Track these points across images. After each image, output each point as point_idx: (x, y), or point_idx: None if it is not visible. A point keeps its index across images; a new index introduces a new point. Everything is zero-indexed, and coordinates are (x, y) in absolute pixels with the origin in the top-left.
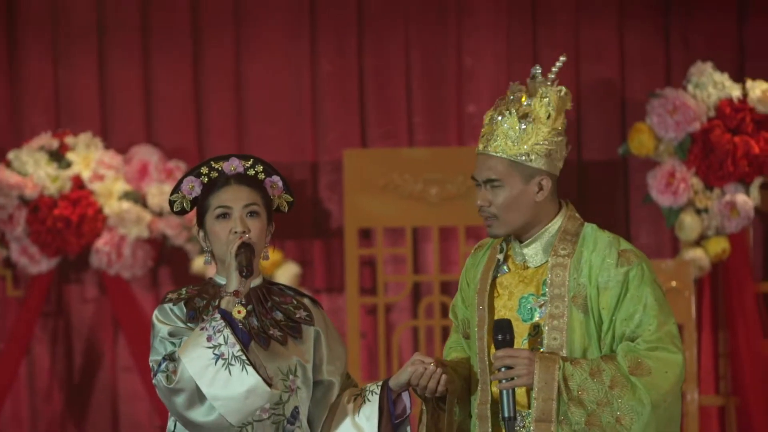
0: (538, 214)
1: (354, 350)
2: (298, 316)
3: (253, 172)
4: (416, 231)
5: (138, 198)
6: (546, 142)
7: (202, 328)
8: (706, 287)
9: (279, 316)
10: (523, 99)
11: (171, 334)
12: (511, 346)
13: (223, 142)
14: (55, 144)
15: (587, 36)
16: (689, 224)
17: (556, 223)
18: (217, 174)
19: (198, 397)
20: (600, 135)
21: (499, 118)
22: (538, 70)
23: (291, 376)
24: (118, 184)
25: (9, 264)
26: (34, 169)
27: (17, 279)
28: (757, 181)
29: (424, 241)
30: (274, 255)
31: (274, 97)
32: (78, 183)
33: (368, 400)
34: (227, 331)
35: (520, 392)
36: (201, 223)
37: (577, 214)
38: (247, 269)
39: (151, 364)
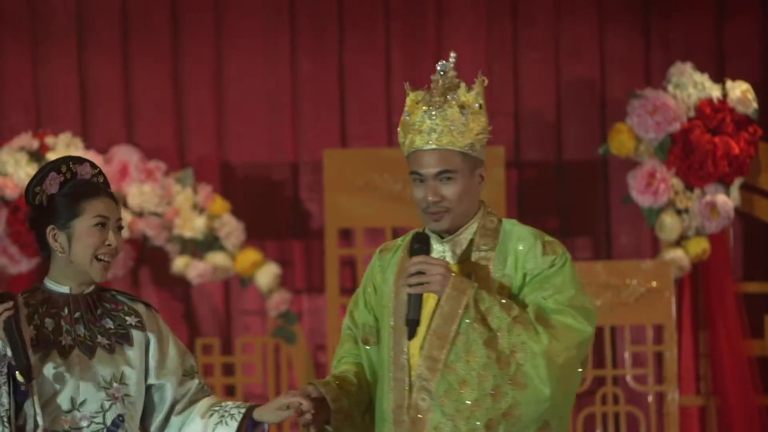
0: (473, 206)
1: (335, 350)
2: (128, 322)
3: (96, 180)
4: (396, 231)
5: (118, 198)
6: (483, 133)
7: None
8: (687, 287)
9: (109, 324)
10: (461, 92)
11: None
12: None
13: (203, 141)
14: (35, 144)
15: (567, 36)
16: (669, 224)
17: (476, 221)
18: (71, 175)
19: None
20: (580, 135)
21: (439, 111)
22: (444, 65)
23: (116, 384)
24: None
25: None
26: (15, 170)
27: None
28: (738, 182)
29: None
30: (254, 255)
31: (254, 96)
32: None
33: (226, 423)
34: (3, 389)
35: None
36: (62, 223)
37: (494, 212)
38: (23, 375)
39: None
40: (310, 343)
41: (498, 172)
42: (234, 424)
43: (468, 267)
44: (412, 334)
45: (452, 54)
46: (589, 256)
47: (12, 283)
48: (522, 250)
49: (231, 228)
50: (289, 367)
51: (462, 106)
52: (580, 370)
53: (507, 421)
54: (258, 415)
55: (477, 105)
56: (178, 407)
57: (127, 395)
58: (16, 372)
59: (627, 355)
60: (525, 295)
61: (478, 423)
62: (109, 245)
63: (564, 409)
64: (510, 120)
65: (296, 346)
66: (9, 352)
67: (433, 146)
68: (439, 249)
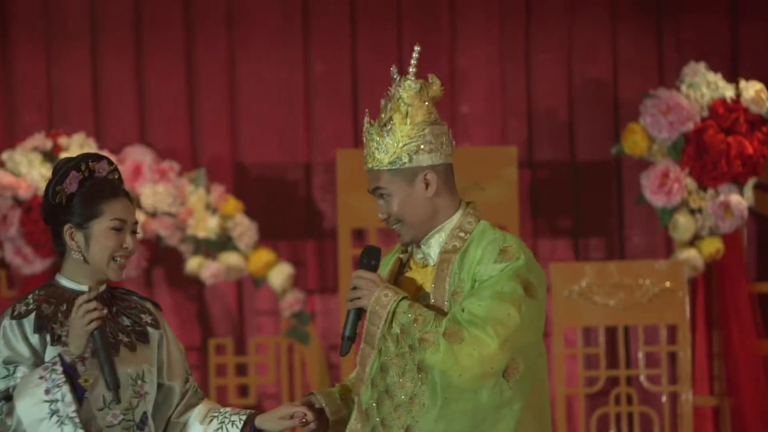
0: (436, 210)
1: None
2: (144, 320)
3: (112, 177)
4: None
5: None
6: (414, 139)
7: (41, 377)
8: (700, 287)
9: (125, 321)
10: (396, 103)
11: (6, 362)
12: (373, 271)
13: (216, 142)
14: (48, 144)
15: (580, 37)
16: (683, 224)
17: (452, 221)
18: (88, 173)
19: None
20: (593, 136)
21: (367, 134)
22: (394, 70)
23: (140, 381)
24: None
25: (3, 264)
26: (28, 170)
27: (11, 279)
28: (751, 182)
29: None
30: (267, 255)
31: (267, 96)
32: None
33: (226, 429)
34: (66, 388)
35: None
36: (80, 223)
37: (476, 214)
38: (113, 387)
39: None
40: (324, 344)
41: (511, 172)
42: (235, 431)
43: (429, 271)
44: (343, 350)
45: (416, 47)
46: (603, 256)
47: (26, 283)
48: (477, 256)
49: (244, 228)
50: (302, 368)
51: (385, 123)
52: (508, 383)
53: None
54: (260, 422)
55: (405, 112)
56: (178, 410)
57: (147, 393)
58: (81, 375)
59: (641, 355)
60: (463, 300)
61: (401, 431)
62: (126, 248)
63: (482, 425)
64: (523, 120)
65: (309, 346)
66: (101, 363)
67: (368, 167)
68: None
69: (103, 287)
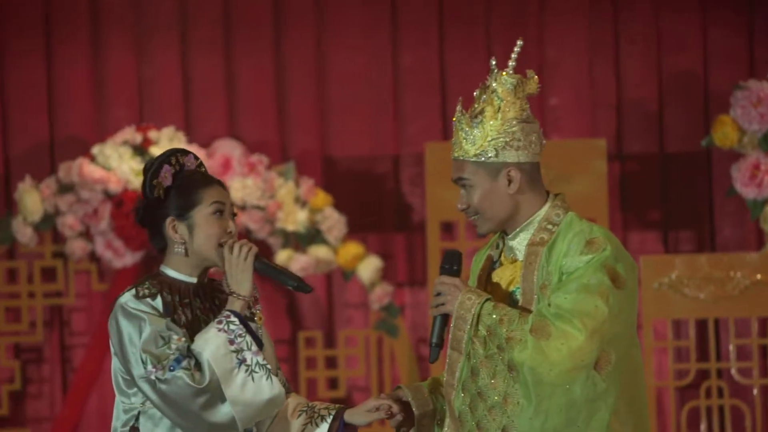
0: (518, 206)
1: None
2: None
3: (200, 170)
4: None
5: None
6: (502, 134)
7: (219, 330)
8: None
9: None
10: (490, 96)
11: (167, 328)
12: (456, 276)
13: (305, 135)
14: (138, 138)
15: (669, 28)
16: None
17: (540, 214)
18: (179, 167)
19: (219, 398)
20: (683, 127)
21: (457, 123)
22: (493, 61)
23: None
24: None
25: (94, 258)
26: (118, 164)
27: (102, 273)
28: None
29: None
30: (356, 248)
31: (356, 90)
32: None
33: (316, 423)
34: (249, 338)
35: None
36: (181, 214)
37: (564, 205)
38: (300, 285)
39: (142, 356)
40: (412, 336)
41: (600, 165)
42: (324, 426)
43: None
44: (432, 357)
45: (519, 42)
46: (693, 248)
47: (116, 276)
48: (564, 249)
49: (333, 221)
50: (392, 360)
51: (476, 114)
52: (600, 376)
53: None
54: (348, 417)
55: (497, 107)
56: None
57: None
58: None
59: (731, 348)
60: (550, 294)
61: None
62: (230, 232)
63: (578, 419)
64: (612, 112)
65: (398, 339)
66: (280, 278)
67: (453, 155)
68: (508, 246)
69: (206, 278)
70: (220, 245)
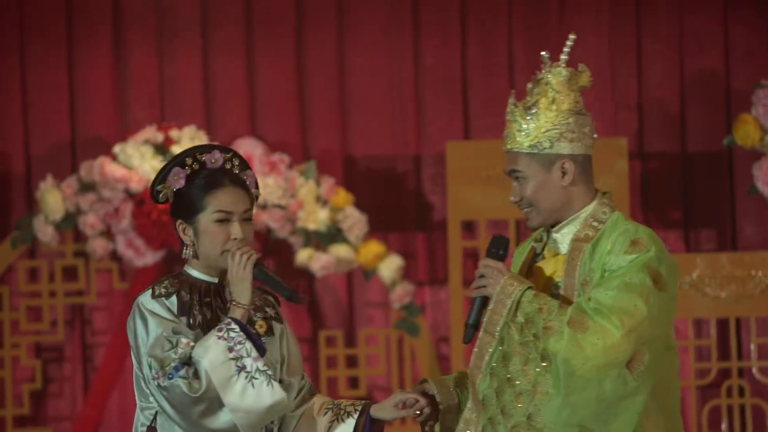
0: (570, 199)
1: (459, 342)
2: (268, 314)
3: (230, 165)
4: (519, 223)
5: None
6: (557, 126)
7: (219, 337)
8: None
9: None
10: (543, 88)
11: (174, 332)
12: (500, 261)
13: (326, 134)
14: (159, 137)
15: (691, 27)
16: None
17: (587, 210)
18: (198, 166)
19: (218, 406)
20: (705, 126)
21: (510, 115)
22: (546, 55)
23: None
24: None
25: (115, 257)
26: (140, 163)
27: (123, 272)
28: None
29: (528, 233)
30: (377, 247)
31: (377, 89)
32: None
33: (342, 420)
34: (249, 344)
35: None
36: (188, 218)
37: (611, 204)
38: (292, 295)
39: (147, 360)
40: (433, 336)
41: (621, 164)
42: (351, 422)
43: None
44: (466, 338)
45: (571, 36)
46: (714, 247)
47: (137, 275)
48: (608, 247)
49: (354, 220)
50: (412, 360)
51: (530, 106)
52: (632, 374)
53: (531, 426)
54: (375, 412)
55: (551, 99)
56: (294, 405)
57: None
58: (255, 322)
59: (753, 347)
60: (591, 290)
61: (522, 419)
62: (234, 239)
63: (605, 415)
64: (633, 111)
65: (419, 338)
66: (274, 287)
67: (507, 148)
68: (551, 238)
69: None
70: (224, 252)
